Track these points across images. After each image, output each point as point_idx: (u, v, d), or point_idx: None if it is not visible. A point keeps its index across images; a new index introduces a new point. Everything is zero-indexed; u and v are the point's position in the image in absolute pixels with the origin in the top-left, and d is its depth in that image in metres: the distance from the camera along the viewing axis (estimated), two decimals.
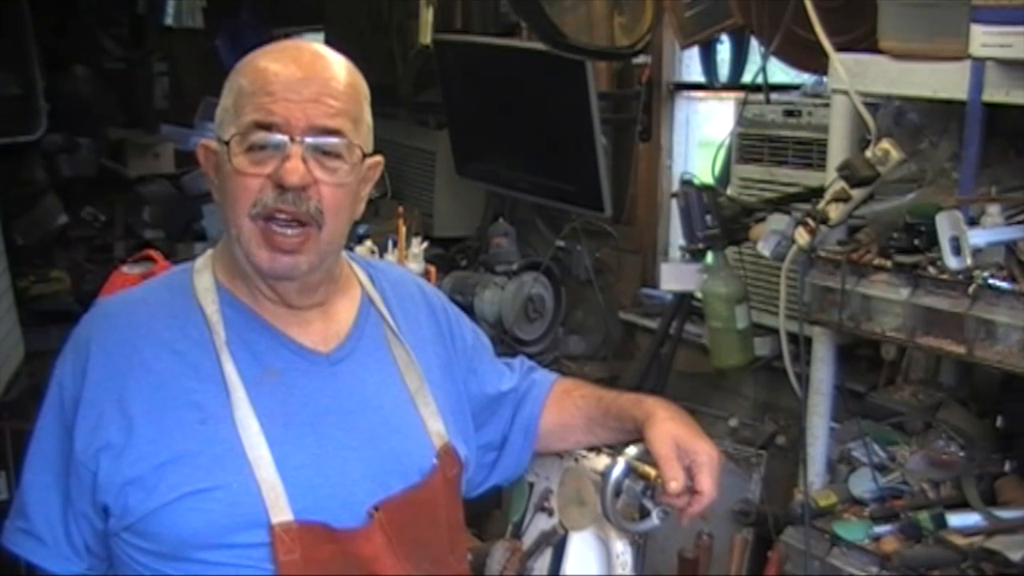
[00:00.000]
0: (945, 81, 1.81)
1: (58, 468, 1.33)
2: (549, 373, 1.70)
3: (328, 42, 5.23)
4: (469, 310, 3.52)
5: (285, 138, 1.27)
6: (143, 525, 1.28)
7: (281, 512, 1.27)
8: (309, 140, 1.28)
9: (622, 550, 1.63)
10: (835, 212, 2.00)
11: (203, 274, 1.39)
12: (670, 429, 1.48)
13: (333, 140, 1.30)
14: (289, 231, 1.29)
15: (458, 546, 1.48)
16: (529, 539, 1.76)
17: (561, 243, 3.69)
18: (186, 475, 1.27)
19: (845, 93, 2.03)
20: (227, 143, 1.29)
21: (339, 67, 1.34)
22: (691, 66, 3.38)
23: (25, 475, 1.36)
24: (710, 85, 3.00)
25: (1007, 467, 1.99)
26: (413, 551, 1.36)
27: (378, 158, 1.40)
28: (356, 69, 1.37)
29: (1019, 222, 1.77)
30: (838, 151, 2.07)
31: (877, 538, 1.99)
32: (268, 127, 1.28)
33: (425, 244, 3.11)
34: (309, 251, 1.31)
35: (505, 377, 1.63)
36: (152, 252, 2.18)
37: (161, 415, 1.29)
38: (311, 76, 1.30)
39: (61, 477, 1.32)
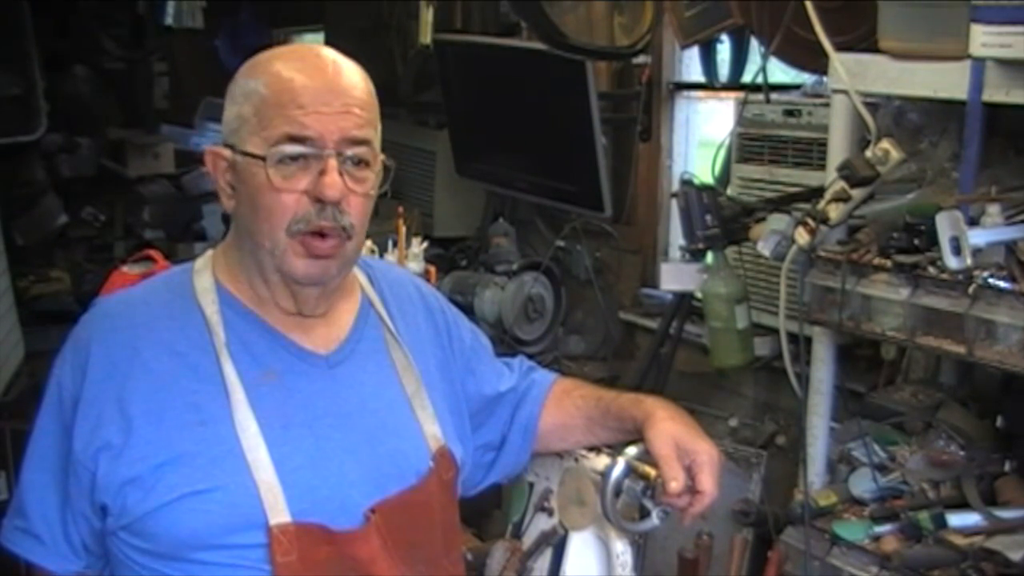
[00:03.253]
0: (945, 81, 1.81)
1: (56, 467, 1.33)
2: (549, 373, 1.69)
3: (328, 42, 5.24)
4: (469, 310, 3.53)
5: (321, 151, 1.28)
6: (141, 525, 1.28)
7: (279, 513, 1.27)
8: (345, 152, 1.29)
9: (622, 550, 1.62)
10: (835, 212, 2.00)
11: (203, 275, 1.39)
12: (670, 429, 1.48)
13: (363, 150, 1.31)
14: (326, 238, 1.31)
15: (453, 548, 1.48)
16: (529, 539, 1.76)
17: (561, 243, 3.69)
18: (184, 476, 1.27)
19: (845, 93, 2.03)
20: (261, 157, 1.28)
21: (358, 75, 1.35)
22: (691, 66, 3.37)
23: (23, 474, 1.36)
24: (710, 85, 3.00)
25: (1007, 467, 1.99)
26: (408, 553, 1.36)
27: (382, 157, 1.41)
28: (365, 72, 1.37)
29: (1019, 222, 1.77)
30: (838, 151, 2.07)
31: (877, 538, 1.99)
32: (302, 140, 1.28)
33: (425, 244, 3.11)
34: (339, 258, 1.33)
35: (504, 377, 1.63)
36: (152, 252, 2.18)
37: (160, 416, 1.29)
38: (337, 87, 1.30)
39: (59, 476, 1.32)
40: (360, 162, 1.31)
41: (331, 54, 1.35)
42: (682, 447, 1.46)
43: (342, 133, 1.28)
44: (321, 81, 1.29)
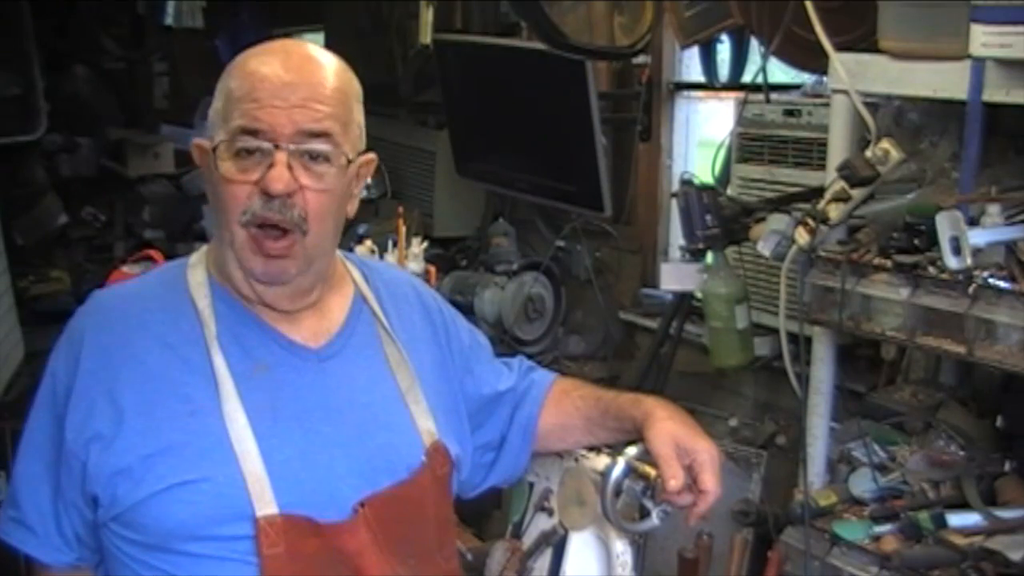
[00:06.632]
0: (945, 81, 1.81)
1: (49, 458, 1.34)
2: (548, 373, 1.69)
3: (328, 42, 5.24)
4: (469, 310, 3.53)
5: (270, 145, 1.28)
6: (130, 515, 1.29)
7: (266, 505, 1.28)
8: (294, 146, 1.29)
9: (622, 550, 1.62)
10: (835, 212, 2.00)
11: (197, 269, 1.41)
12: (669, 428, 1.48)
13: (319, 145, 1.30)
14: (275, 234, 1.31)
15: (447, 544, 1.48)
16: (529, 539, 1.76)
17: (561, 243, 3.69)
18: (173, 466, 1.28)
19: (845, 93, 2.03)
20: (215, 149, 1.30)
21: (329, 69, 1.34)
22: (691, 66, 3.37)
23: (17, 465, 1.37)
24: (710, 85, 3.00)
25: (1007, 467, 1.99)
26: (399, 547, 1.37)
27: (370, 156, 1.40)
28: (347, 69, 1.37)
29: (1019, 222, 1.77)
30: (838, 151, 2.07)
31: (877, 538, 1.99)
32: (254, 133, 1.28)
33: (425, 244, 3.11)
34: (296, 256, 1.33)
35: (503, 377, 1.63)
36: (152, 252, 2.19)
37: (151, 407, 1.30)
38: (299, 81, 1.30)
39: (52, 467, 1.34)
40: (317, 157, 1.30)
41: (304, 48, 1.36)
42: (682, 446, 1.46)
43: (295, 127, 1.28)
44: (282, 74, 1.29)
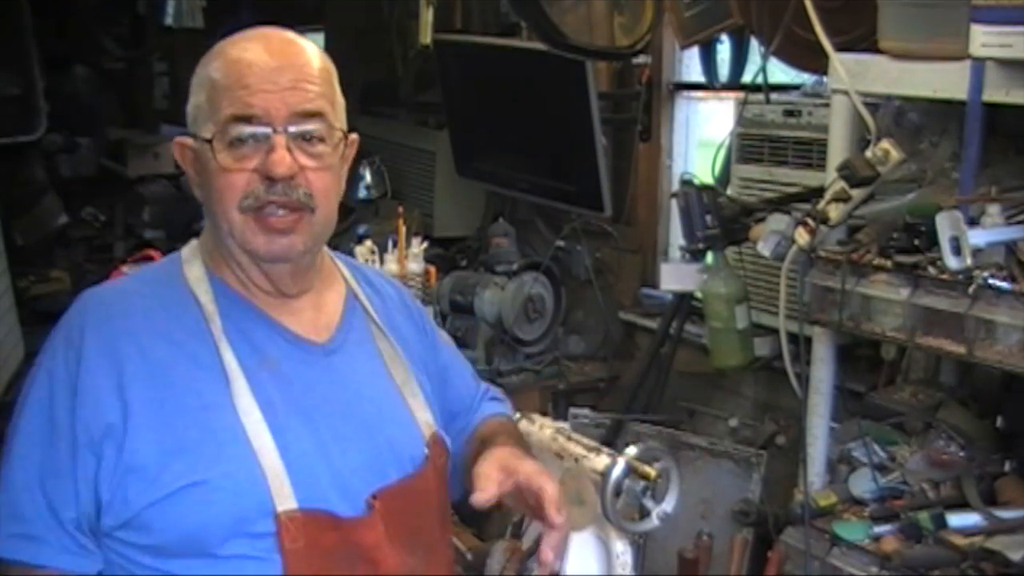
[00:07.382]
0: (945, 81, 1.81)
1: (47, 463, 1.26)
2: (496, 406, 1.65)
3: (328, 42, 5.24)
4: (469, 310, 3.53)
5: (267, 130, 1.27)
6: (143, 518, 1.25)
7: (286, 500, 1.26)
8: (292, 128, 1.28)
9: (622, 550, 1.62)
10: (835, 212, 2.01)
11: (193, 264, 1.39)
12: (495, 453, 1.43)
13: (315, 125, 1.30)
14: (281, 212, 1.29)
15: (447, 533, 1.49)
16: (529, 539, 1.76)
17: (561, 243, 3.69)
18: (190, 464, 1.24)
19: (845, 93, 2.03)
20: (209, 141, 1.29)
21: (311, 51, 1.35)
22: (691, 66, 3.38)
23: (11, 475, 1.28)
24: (710, 85, 3.00)
25: (1007, 467, 1.99)
26: (409, 540, 1.37)
27: (354, 136, 1.40)
28: (324, 51, 1.37)
29: (1019, 222, 1.78)
30: (838, 151, 2.08)
31: (877, 538, 1.99)
32: (248, 119, 1.27)
33: (425, 244, 3.11)
34: (303, 232, 1.31)
35: (470, 388, 1.63)
36: (152, 252, 2.19)
37: (161, 403, 1.27)
38: (285, 64, 1.30)
39: (52, 472, 1.26)
40: (312, 138, 1.30)
41: (281, 33, 1.36)
42: (509, 468, 1.40)
43: (290, 108, 1.28)
44: (267, 59, 1.29)
